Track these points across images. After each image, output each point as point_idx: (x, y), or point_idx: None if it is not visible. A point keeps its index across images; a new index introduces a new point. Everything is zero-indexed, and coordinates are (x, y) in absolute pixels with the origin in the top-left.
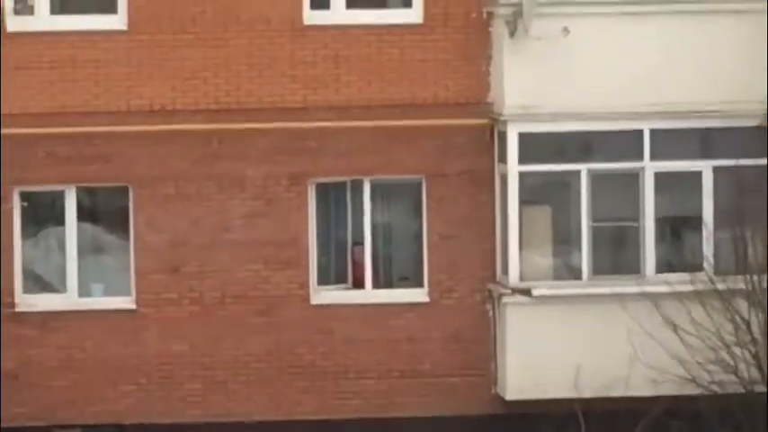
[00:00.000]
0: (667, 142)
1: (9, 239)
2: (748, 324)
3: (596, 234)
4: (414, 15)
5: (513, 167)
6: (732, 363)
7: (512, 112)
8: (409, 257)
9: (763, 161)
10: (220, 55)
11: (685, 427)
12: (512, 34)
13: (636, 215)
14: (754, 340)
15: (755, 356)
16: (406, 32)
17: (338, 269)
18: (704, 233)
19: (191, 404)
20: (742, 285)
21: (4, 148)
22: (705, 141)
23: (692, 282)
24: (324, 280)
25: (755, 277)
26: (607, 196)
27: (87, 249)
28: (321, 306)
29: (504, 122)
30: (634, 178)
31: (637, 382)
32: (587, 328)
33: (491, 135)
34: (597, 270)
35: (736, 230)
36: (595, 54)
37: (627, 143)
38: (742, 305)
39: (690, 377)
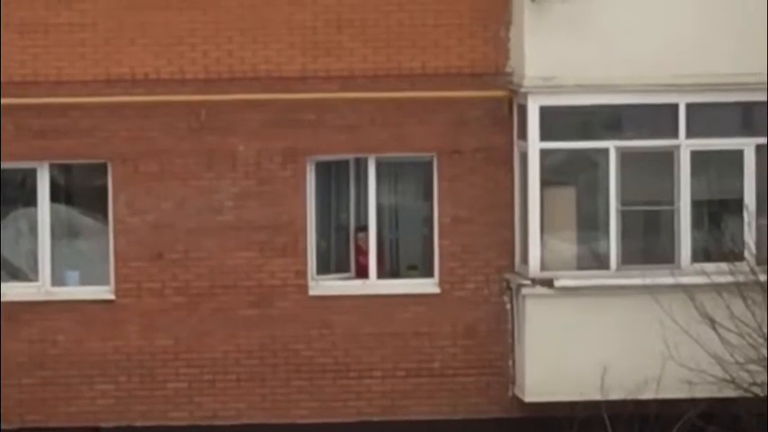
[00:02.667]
0: (705, 117)
1: None
2: None
3: (626, 219)
4: None
5: (534, 144)
6: None
7: (533, 83)
8: (418, 244)
9: None
10: (210, 19)
11: None
12: None
13: (670, 198)
14: None
15: None
16: None
17: (339, 257)
18: (745, 218)
19: (175, 405)
20: None
21: None
22: (747, 117)
23: (731, 272)
24: (323, 268)
25: None
26: (638, 177)
27: (61, 233)
28: (320, 297)
29: (525, 95)
30: (668, 157)
31: (670, 382)
32: (615, 323)
33: (510, 109)
34: (626, 259)
35: None
36: (626, 19)
37: (660, 118)
38: None
39: (728, 378)
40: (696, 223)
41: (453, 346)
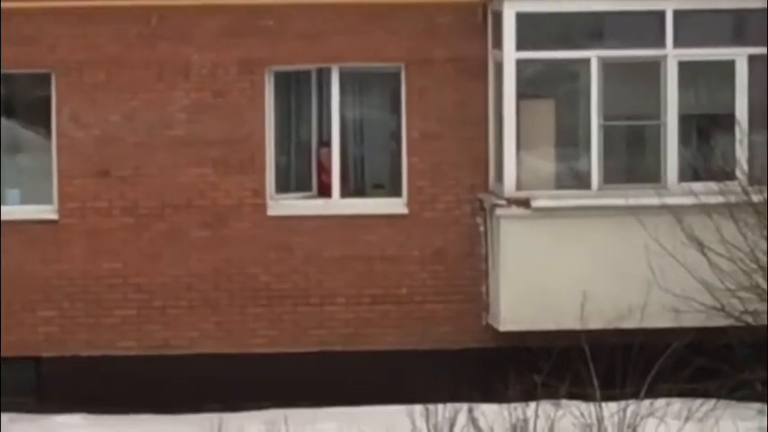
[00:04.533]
0: (694, 25)
1: None
2: None
3: (608, 134)
4: None
5: (510, 54)
6: None
7: None
8: (385, 161)
9: None
10: None
11: (712, 364)
12: None
13: (656, 112)
14: None
15: None
16: None
17: (300, 174)
18: (737, 134)
19: (122, 334)
20: None
21: None
22: (739, 24)
23: (721, 192)
24: (283, 187)
25: None
26: (621, 90)
27: (1, 149)
28: (279, 218)
29: (500, 0)
30: (654, 68)
31: (655, 311)
32: (596, 247)
33: (484, 15)
34: (609, 178)
35: None
36: None
37: (645, 26)
38: None
39: (718, 305)
40: (684, 139)
41: (422, 271)
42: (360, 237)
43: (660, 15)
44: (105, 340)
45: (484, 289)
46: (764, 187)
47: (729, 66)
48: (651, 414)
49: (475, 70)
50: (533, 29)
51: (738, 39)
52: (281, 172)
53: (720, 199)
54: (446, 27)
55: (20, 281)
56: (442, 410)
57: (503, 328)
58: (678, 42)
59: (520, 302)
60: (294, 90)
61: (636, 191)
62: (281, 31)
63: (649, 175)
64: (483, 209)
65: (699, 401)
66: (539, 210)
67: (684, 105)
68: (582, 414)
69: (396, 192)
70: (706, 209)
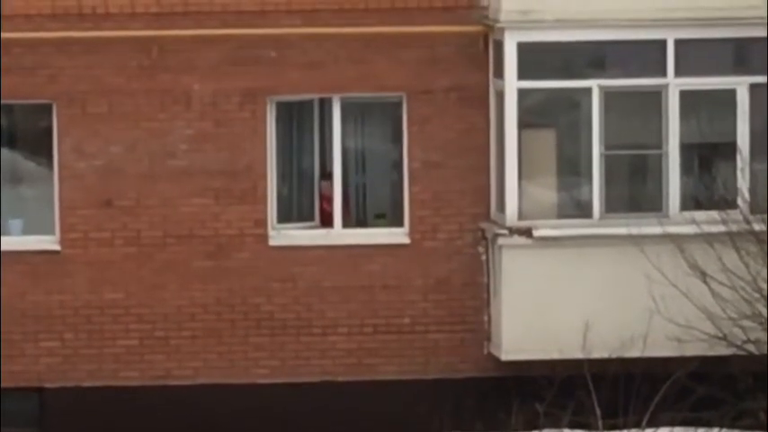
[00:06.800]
0: (695, 54)
1: None
2: None
3: (610, 164)
4: None
5: (512, 84)
6: None
7: (510, 17)
8: (386, 191)
9: None
10: None
11: (715, 393)
12: None
13: (657, 141)
14: None
15: None
16: None
17: (302, 204)
18: (738, 163)
19: (125, 364)
20: None
21: None
22: (741, 53)
23: (723, 222)
24: (285, 217)
25: None
26: (623, 119)
27: (3, 179)
28: (281, 248)
29: (501, 30)
30: (655, 97)
31: (657, 340)
32: (598, 276)
33: (485, 45)
34: (610, 207)
35: None
36: None
37: (647, 55)
38: None
39: (720, 334)
40: (685, 168)
41: (424, 301)
42: (362, 266)
43: (662, 44)
44: (108, 371)
45: (486, 318)
46: (766, 216)
47: (731, 94)
48: None
49: (476, 100)
50: (534, 58)
51: (739, 68)
52: (283, 202)
53: (722, 228)
54: (448, 57)
55: (22, 311)
56: None
57: (505, 357)
58: (679, 71)
59: (522, 332)
60: (296, 120)
61: (637, 220)
62: (283, 61)
63: (651, 203)
64: (485, 238)
65: (701, 431)
66: (541, 239)
67: (686, 134)
68: None
69: (397, 221)
70: (708, 238)
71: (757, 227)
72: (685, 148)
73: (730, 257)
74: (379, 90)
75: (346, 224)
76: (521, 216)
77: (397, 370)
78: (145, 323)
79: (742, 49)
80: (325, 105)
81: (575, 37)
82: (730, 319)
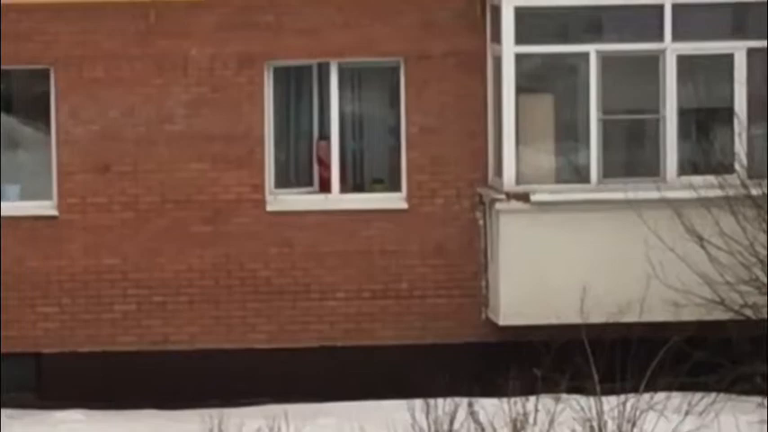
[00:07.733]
0: (692, 19)
1: None
2: None
3: (607, 129)
4: None
5: (509, 48)
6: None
7: None
8: (384, 156)
9: None
10: None
11: (712, 358)
12: None
13: (655, 106)
14: None
15: None
16: None
17: (300, 169)
18: (736, 128)
19: (123, 329)
20: None
21: None
22: (738, 18)
23: (720, 186)
24: (282, 182)
25: None
26: (620, 84)
27: (1, 144)
28: (279, 213)
29: None
30: (653, 62)
31: (654, 304)
32: (596, 241)
33: (482, 9)
34: (608, 172)
35: None
36: None
37: (644, 20)
38: None
39: (718, 299)
40: (683, 133)
41: (422, 266)
42: (359, 232)
43: (659, 9)
44: (105, 336)
45: (483, 283)
46: (763, 180)
47: (728, 59)
48: (651, 408)
49: (474, 65)
50: (532, 23)
51: (737, 32)
52: (281, 167)
53: (719, 192)
54: (445, 21)
55: (19, 277)
56: (442, 405)
57: (502, 322)
58: (677, 36)
59: (519, 297)
60: (293, 85)
61: (635, 185)
62: (280, 26)
63: (648, 168)
64: (482, 203)
65: (699, 395)
66: (538, 204)
67: (683, 99)
68: (582, 408)
69: (395, 187)
70: (705, 202)
71: (755, 191)
72: (683, 113)
73: (728, 222)
74: (377, 55)
75: (344, 189)
76: (518, 181)
77: (395, 335)
78: (142, 288)
79: (740, 13)
80: (322, 70)
81: (572, 2)
82: (728, 283)
